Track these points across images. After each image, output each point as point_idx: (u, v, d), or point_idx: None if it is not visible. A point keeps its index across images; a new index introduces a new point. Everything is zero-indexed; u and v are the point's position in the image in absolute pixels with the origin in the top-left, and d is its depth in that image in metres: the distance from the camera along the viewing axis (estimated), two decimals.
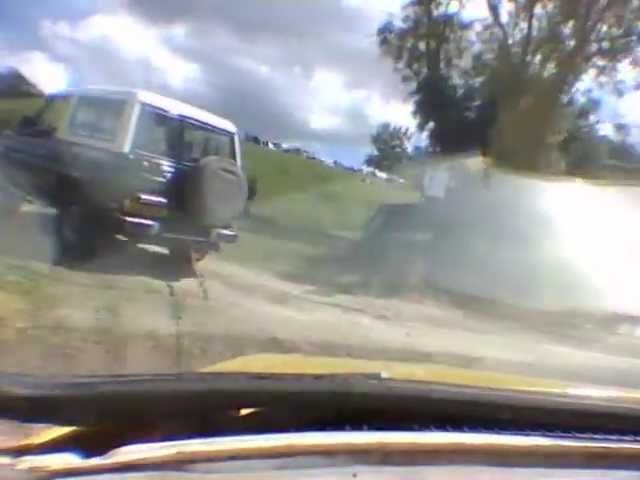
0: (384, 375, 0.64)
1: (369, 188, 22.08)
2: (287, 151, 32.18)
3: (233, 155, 5.87)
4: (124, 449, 0.50)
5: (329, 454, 0.52)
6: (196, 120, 5.72)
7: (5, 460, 0.50)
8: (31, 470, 0.49)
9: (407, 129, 32.75)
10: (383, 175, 31.73)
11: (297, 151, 33.49)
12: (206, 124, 5.83)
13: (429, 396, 0.58)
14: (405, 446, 0.54)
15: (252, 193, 5.95)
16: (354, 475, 0.50)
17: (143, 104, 5.18)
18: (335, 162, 33.07)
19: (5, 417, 0.53)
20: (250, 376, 0.58)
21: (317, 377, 0.60)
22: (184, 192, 5.14)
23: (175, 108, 5.58)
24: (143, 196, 4.91)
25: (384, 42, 15.93)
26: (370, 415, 0.57)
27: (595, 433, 0.60)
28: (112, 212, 4.85)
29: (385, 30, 15.90)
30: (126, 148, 4.96)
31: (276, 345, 3.80)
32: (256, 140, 28.88)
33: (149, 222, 4.95)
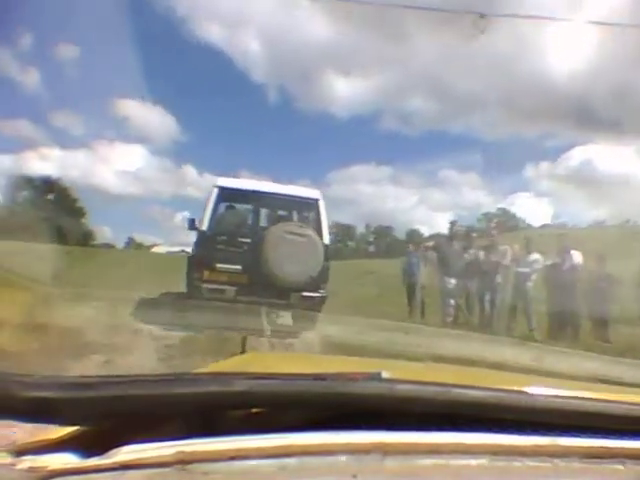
0: (384, 375, 0.64)
1: None
2: None
3: (318, 220, 6.28)
4: (124, 449, 0.50)
5: (329, 454, 0.52)
6: (273, 194, 6.43)
7: (5, 460, 0.50)
8: (31, 470, 0.49)
9: None
10: None
11: None
12: (284, 195, 6.47)
13: (429, 396, 0.58)
14: (405, 446, 0.54)
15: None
16: (354, 475, 0.50)
17: (221, 188, 6.21)
18: None
19: (5, 417, 0.53)
20: (250, 376, 0.58)
21: (317, 377, 0.60)
22: (256, 258, 5.75)
23: (252, 186, 6.55)
24: (219, 265, 5.75)
25: None
26: (370, 415, 0.57)
27: (595, 433, 0.60)
28: (195, 280, 5.84)
29: None
30: (205, 227, 5.97)
31: None
32: None
33: (225, 287, 5.74)
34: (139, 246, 36.35)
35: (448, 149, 65.25)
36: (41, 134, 59.60)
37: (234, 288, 5.75)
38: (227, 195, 6.40)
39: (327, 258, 5.96)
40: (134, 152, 64.58)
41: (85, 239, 33.02)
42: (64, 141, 56.66)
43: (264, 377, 0.59)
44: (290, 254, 5.64)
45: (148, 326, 4.92)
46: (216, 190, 6.17)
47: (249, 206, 7.14)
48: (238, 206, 7.13)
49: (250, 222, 6.88)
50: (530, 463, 0.56)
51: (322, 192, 6.58)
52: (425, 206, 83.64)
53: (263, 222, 7.13)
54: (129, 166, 65.68)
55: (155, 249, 26.86)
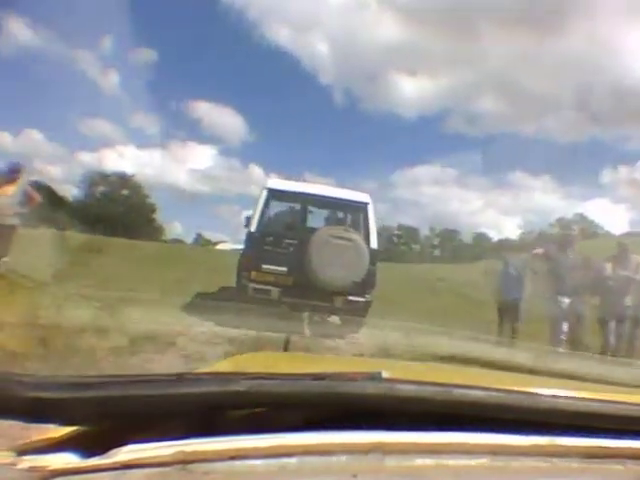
0: (384, 375, 0.64)
1: None
2: None
3: (366, 224, 6.27)
4: (124, 449, 0.50)
5: (329, 454, 0.52)
6: (322, 196, 6.50)
7: (5, 460, 0.50)
8: (31, 470, 0.49)
9: None
10: None
11: None
12: (333, 198, 6.50)
13: (429, 396, 0.58)
14: (405, 446, 0.54)
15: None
16: (354, 475, 0.50)
17: (270, 190, 6.28)
18: None
19: (5, 417, 0.53)
20: (250, 376, 0.58)
21: (317, 377, 0.60)
22: (301, 261, 5.80)
23: (300, 188, 6.58)
24: (264, 266, 5.85)
25: None
26: (370, 415, 0.57)
27: (595, 433, 0.60)
28: (242, 279, 6.00)
29: None
30: (253, 228, 6.07)
31: None
32: None
33: (269, 288, 5.81)
34: (207, 242, 36.87)
35: (518, 151, 63.47)
36: (118, 133, 60.21)
37: (279, 289, 5.82)
38: (276, 197, 6.47)
39: (374, 263, 5.92)
40: (204, 152, 67.32)
41: (156, 234, 34.39)
42: (140, 140, 58.71)
43: (264, 377, 0.59)
44: (334, 258, 5.66)
45: (194, 326, 4.98)
46: (265, 192, 6.24)
47: (297, 208, 7.17)
48: (286, 208, 7.27)
49: (297, 224, 6.90)
50: (530, 463, 0.56)
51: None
52: (493, 210, 79.75)
53: (311, 224, 7.10)
54: (199, 165, 67.60)
55: (220, 246, 27.21)
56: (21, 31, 48.41)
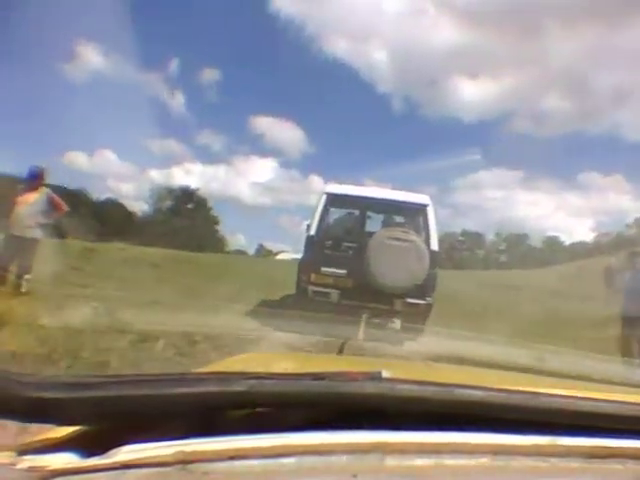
0: (384, 375, 0.64)
1: None
2: None
3: (426, 226, 6.18)
4: (124, 449, 0.50)
5: (329, 454, 0.52)
6: (381, 199, 6.48)
7: (5, 460, 0.50)
8: (31, 470, 0.49)
9: None
10: None
11: None
12: (392, 201, 6.48)
13: (429, 396, 0.58)
14: (405, 446, 0.54)
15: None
16: (354, 475, 0.50)
17: (329, 194, 6.38)
18: None
19: (5, 417, 0.53)
20: (250, 376, 0.58)
21: (317, 377, 0.60)
22: (360, 263, 5.78)
23: (359, 192, 6.57)
24: (324, 268, 5.93)
25: None
26: (370, 415, 0.57)
27: (595, 433, 0.60)
28: (302, 282, 6.08)
29: None
30: (312, 231, 6.15)
31: None
32: None
33: (328, 290, 5.89)
34: (268, 253, 38.47)
35: (588, 151, 62.34)
36: (185, 151, 64.77)
37: (338, 291, 5.87)
38: (335, 201, 6.52)
39: (435, 265, 5.85)
40: (266, 165, 71.76)
41: (219, 246, 35.64)
42: (205, 157, 64.94)
43: (264, 377, 0.59)
44: (393, 260, 5.62)
45: (257, 331, 5.01)
46: (324, 196, 6.32)
47: (356, 211, 7.19)
48: (346, 212, 7.24)
49: (357, 227, 6.93)
50: (530, 463, 0.56)
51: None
52: (563, 212, 78.25)
53: (370, 227, 7.12)
54: (261, 178, 71.67)
55: (280, 256, 27.65)
56: (93, 57, 53.42)
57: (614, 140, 57.13)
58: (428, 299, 5.83)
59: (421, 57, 61.67)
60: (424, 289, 5.78)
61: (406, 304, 5.78)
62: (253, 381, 0.56)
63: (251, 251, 41.96)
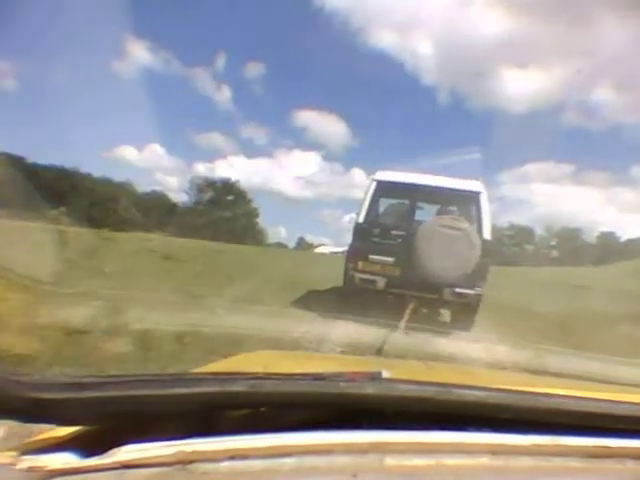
0: (384, 375, 0.64)
1: None
2: None
3: (479, 214, 6.03)
4: (124, 449, 0.50)
5: (329, 454, 0.52)
6: (432, 186, 6.24)
7: (5, 460, 0.50)
8: (31, 470, 0.49)
9: None
10: None
11: None
12: (444, 188, 6.25)
13: (429, 396, 0.58)
14: (405, 446, 0.54)
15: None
16: (354, 475, 0.50)
17: (379, 181, 6.25)
18: None
19: (5, 417, 0.53)
20: (250, 376, 0.58)
21: (317, 377, 0.60)
22: (409, 251, 5.67)
23: (409, 179, 6.34)
24: (371, 256, 5.82)
25: None
26: (370, 415, 0.57)
27: (595, 433, 0.60)
28: (349, 270, 5.99)
29: None
30: (361, 219, 6.08)
31: None
32: None
33: (375, 278, 5.80)
34: (309, 246, 38.15)
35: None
36: (230, 144, 63.92)
37: (385, 279, 5.76)
38: (384, 188, 6.38)
39: (487, 254, 5.65)
40: (308, 158, 68.96)
41: (259, 238, 35.63)
42: (249, 150, 62.89)
43: (264, 377, 0.59)
44: (443, 248, 5.47)
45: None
46: (374, 183, 6.21)
47: (406, 199, 6.83)
48: (395, 199, 7.05)
49: (406, 215, 6.61)
50: (530, 463, 0.56)
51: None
52: (614, 207, 73.31)
53: (420, 215, 6.79)
54: (303, 171, 70.65)
55: (319, 249, 27.53)
56: (142, 53, 52.98)
57: None
58: (478, 289, 5.62)
59: (468, 48, 59.88)
60: (474, 279, 5.54)
61: (455, 294, 5.60)
62: (253, 381, 0.56)
63: (292, 244, 41.51)
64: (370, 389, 0.58)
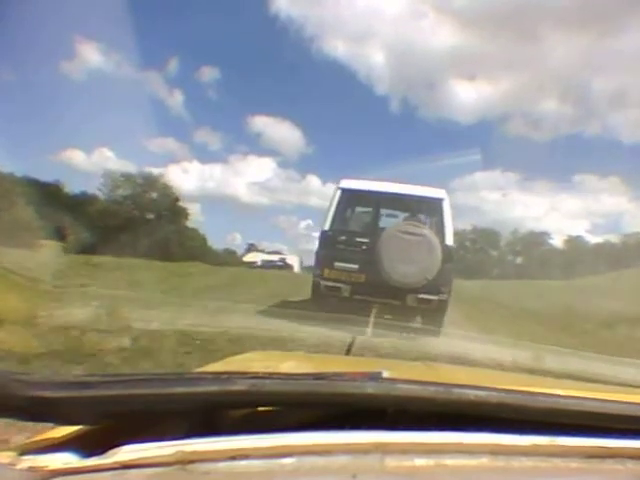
0: (384, 375, 0.64)
1: None
2: None
3: (441, 221, 6.13)
4: (124, 449, 0.50)
5: (329, 454, 0.52)
6: (395, 194, 6.36)
7: (5, 460, 0.50)
8: (31, 469, 0.49)
9: None
10: None
11: None
12: (407, 195, 6.35)
13: (429, 396, 0.58)
14: (405, 446, 0.54)
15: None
16: (354, 475, 0.50)
17: (343, 189, 6.35)
18: None
19: (5, 416, 0.53)
20: (250, 376, 0.58)
21: (317, 377, 0.60)
22: (372, 258, 5.74)
23: (373, 187, 6.48)
24: (337, 263, 5.92)
25: None
26: (370, 415, 0.57)
27: (595, 433, 0.60)
28: (316, 277, 6.12)
29: None
30: (326, 227, 6.17)
31: None
32: None
33: (340, 285, 5.89)
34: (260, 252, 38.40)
35: (583, 153, 62.28)
36: (183, 150, 64.28)
37: (350, 286, 5.85)
38: (349, 196, 6.49)
39: (449, 260, 5.77)
40: (263, 164, 70.69)
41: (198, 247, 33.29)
42: (203, 156, 64.59)
43: (264, 377, 0.59)
44: (404, 254, 5.57)
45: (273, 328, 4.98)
46: (339, 192, 6.30)
47: (371, 207, 7.08)
48: (360, 207, 7.24)
49: (370, 222, 6.87)
50: (530, 463, 0.56)
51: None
52: (557, 213, 76.57)
53: (384, 222, 7.03)
54: (259, 177, 72.68)
55: (249, 257, 26.52)
56: (92, 56, 52.66)
57: (608, 142, 57.53)
58: (442, 295, 5.73)
59: (419, 59, 62.36)
60: (438, 284, 5.65)
61: (419, 300, 5.69)
62: (253, 381, 0.56)
63: (241, 251, 42.31)
64: (370, 389, 0.58)
